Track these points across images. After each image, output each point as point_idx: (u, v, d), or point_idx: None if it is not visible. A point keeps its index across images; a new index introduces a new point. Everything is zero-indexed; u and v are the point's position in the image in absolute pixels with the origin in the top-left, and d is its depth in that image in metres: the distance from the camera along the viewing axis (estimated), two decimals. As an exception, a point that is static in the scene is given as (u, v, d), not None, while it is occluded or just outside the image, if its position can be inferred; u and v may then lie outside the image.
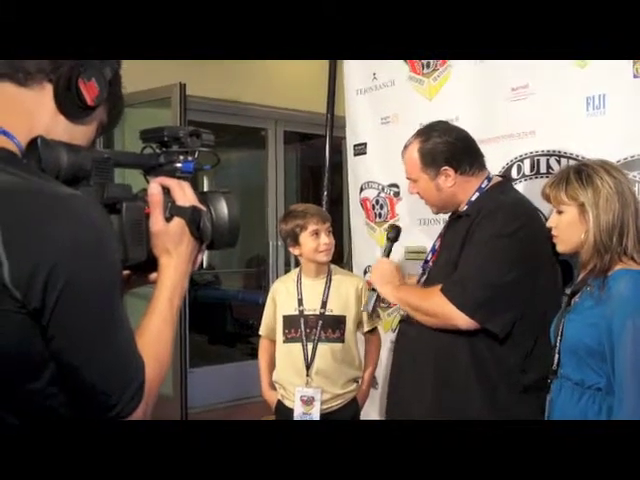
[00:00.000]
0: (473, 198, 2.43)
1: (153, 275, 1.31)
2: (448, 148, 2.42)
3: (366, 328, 3.00)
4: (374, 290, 2.58)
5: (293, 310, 2.96)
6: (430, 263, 2.57)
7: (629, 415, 1.87)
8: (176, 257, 1.28)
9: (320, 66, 4.03)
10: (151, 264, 1.28)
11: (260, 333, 3.16)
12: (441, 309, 2.27)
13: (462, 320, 2.24)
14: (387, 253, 2.66)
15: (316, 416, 2.85)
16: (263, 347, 3.15)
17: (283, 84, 5.87)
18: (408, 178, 2.55)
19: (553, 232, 2.16)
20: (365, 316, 2.96)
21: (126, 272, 1.33)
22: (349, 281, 2.99)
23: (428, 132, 2.47)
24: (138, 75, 4.50)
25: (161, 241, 1.27)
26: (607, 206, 2.02)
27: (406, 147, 2.52)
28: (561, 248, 2.16)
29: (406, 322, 2.55)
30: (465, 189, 2.43)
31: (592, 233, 2.03)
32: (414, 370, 2.45)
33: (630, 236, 2.02)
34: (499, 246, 2.25)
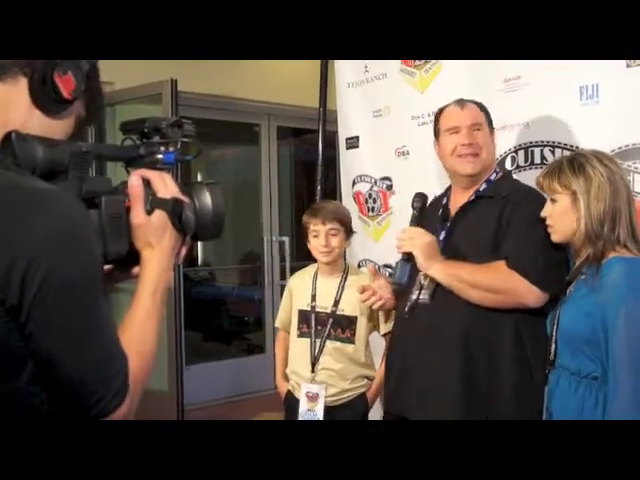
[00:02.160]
0: (492, 177, 2.46)
1: (136, 269, 1.29)
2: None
3: (382, 331, 2.93)
4: (407, 260, 2.39)
5: (306, 305, 2.97)
6: (440, 245, 2.45)
7: (624, 403, 1.87)
8: (158, 250, 1.26)
9: (312, 60, 4.00)
10: (133, 258, 1.26)
11: (276, 325, 3.20)
12: (511, 284, 2.23)
13: (534, 295, 2.22)
14: (416, 223, 2.46)
15: (320, 413, 2.84)
16: (280, 339, 3.18)
17: (275, 79, 5.84)
18: (473, 124, 2.46)
19: (548, 222, 2.16)
20: (382, 317, 2.89)
21: (108, 267, 1.31)
22: (363, 283, 2.89)
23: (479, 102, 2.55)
24: (129, 71, 4.51)
25: (143, 234, 1.24)
26: (598, 194, 2.02)
27: (464, 102, 2.52)
28: (556, 237, 2.15)
29: (422, 305, 2.44)
30: (493, 161, 2.53)
31: (584, 221, 2.04)
32: (436, 355, 2.36)
33: (622, 224, 2.03)
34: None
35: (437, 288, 2.39)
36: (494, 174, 2.45)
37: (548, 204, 2.15)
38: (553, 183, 2.10)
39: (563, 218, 2.10)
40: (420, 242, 2.38)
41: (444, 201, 2.58)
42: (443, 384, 2.33)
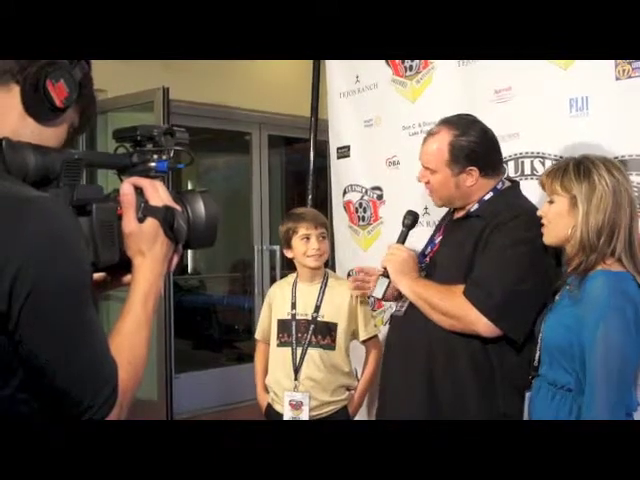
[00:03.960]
0: (486, 197, 2.37)
1: (127, 277, 1.29)
2: (481, 149, 2.35)
3: (362, 337, 2.95)
4: (386, 277, 2.46)
5: (286, 314, 2.95)
6: (427, 258, 2.51)
7: (598, 417, 1.85)
8: (150, 258, 1.26)
9: (304, 69, 4.01)
10: (125, 266, 1.26)
11: (256, 337, 3.15)
12: (463, 312, 2.20)
13: (484, 326, 2.18)
14: (402, 240, 2.52)
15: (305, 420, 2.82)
16: (259, 350, 3.12)
17: (267, 88, 5.85)
18: (425, 167, 2.43)
19: (543, 221, 2.10)
20: (361, 324, 2.93)
21: (100, 274, 1.31)
22: (344, 289, 2.95)
23: (464, 126, 2.37)
24: (121, 79, 4.51)
25: (134, 242, 1.25)
26: (600, 204, 1.96)
27: (432, 135, 2.41)
28: (547, 239, 2.11)
29: (397, 317, 2.49)
30: (481, 190, 2.37)
31: (579, 229, 1.98)
32: (404, 369, 2.39)
33: (620, 239, 1.96)
34: (520, 252, 2.20)
35: (411, 303, 2.40)
36: (490, 193, 2.38)
37: (545, 204, 2.11)
38: (554, 184, 2.04)
39: (558, 221, 2.05)
40: (396, 258, 2.43)
41: (452, 210, 2.58)
42: (408, 403, 2.35)
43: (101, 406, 1.08)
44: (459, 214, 2.48)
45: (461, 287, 2.24)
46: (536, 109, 2.78)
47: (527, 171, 2.81)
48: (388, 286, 2.48)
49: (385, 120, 3.49)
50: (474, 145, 2.34)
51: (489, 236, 2.26)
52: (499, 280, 2.20)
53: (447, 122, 2.41)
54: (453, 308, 2.24)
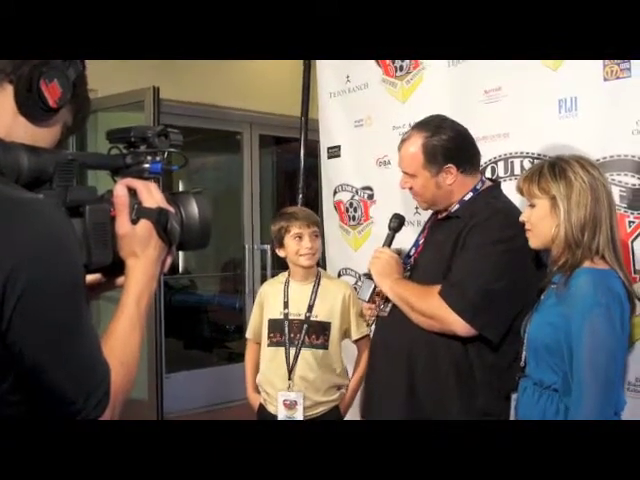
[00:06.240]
0: (466, 198, 2.39)
1: (121, 279, 1.29)
2: (454, 145, 2.36)
3: (354, 336, 2.94)
4: (370, 278, 2.51)
5: (279, 314, 2.93)
6: (412, 260, 2.53)
7: (587, 415, 1.86)
8: (143, 260, 1.25)
9: (294, 69, 4.02)
10: (118, 267, 1.26)
11: (247, 336, 3.13)
12: (439, 312, 2.23)
13: (460, 326, 2.20)
14: (388, 243, 2.56)
15: (299, 419, 2.82)
16: (250, 350, 3.11)
17: (257, 87, 5.85)
18: (404, 172, 2.45)
19: (526, 226, 2.11)
20: (353, 324, 2.93)
21: (94, 276, 1.31)
22: (337, 287, 2.96)
23: (433, 127, 2.38)
24: (112, 79, 4.50)
25: (128, 244, 1.24)
26: (579, 200, 1.98)
27: (405, 141, 2.43)
28: (533, 243, 2.11)
29: (382, 318, 2.51)
30: (462, 188, 2.39)
31: (563, 227, 2.00)
32: (387, 369, 2.42)
33: (602, 232, 1.98)
34: (496, 252, 2.22)
35: (394, 304, 2.43)
36: (470, 193, 2.40)
37: (526, 208, 2.12)
38: (532, 187, 2.06)
39: (541, 223, 2.05)
40: (379, 261, 2.48)
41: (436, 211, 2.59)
42: (390, 403, 2.38)
43: (93, 408, 1.08)
44: (441, 215, 2.50)
45: (438, 287, 2.26)
46: (526, 109, 2.80)
47: (517, 171, 2.83)
48: (374, 288, 2.51)
49: (375, 120, 3.51)
50: (446, 143, 2.36)
51: (466, 237, 2.28)
52: (474, 280, 2.22)
53: (417, 125, 2.44)
54: (430, 308, 2.27)
